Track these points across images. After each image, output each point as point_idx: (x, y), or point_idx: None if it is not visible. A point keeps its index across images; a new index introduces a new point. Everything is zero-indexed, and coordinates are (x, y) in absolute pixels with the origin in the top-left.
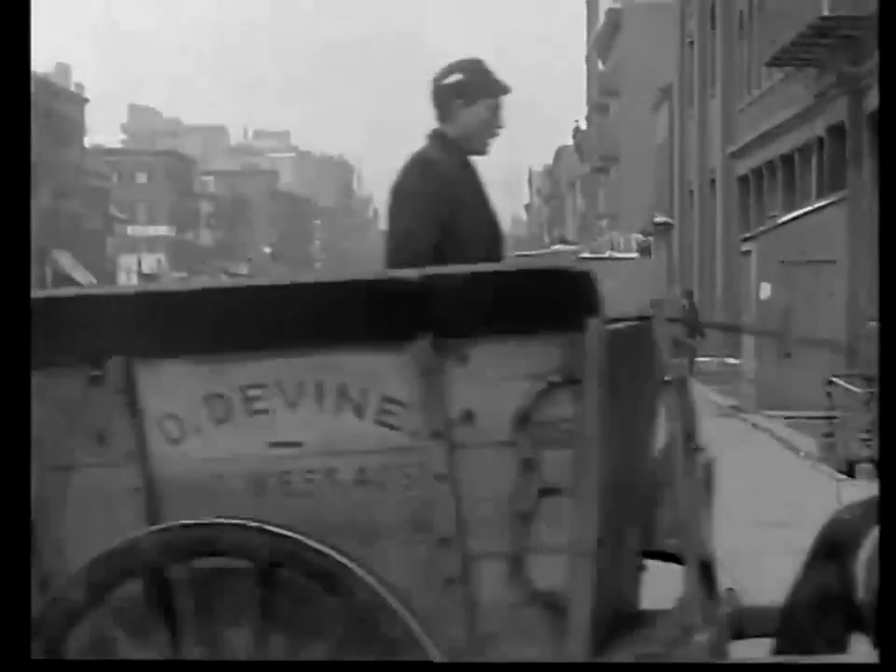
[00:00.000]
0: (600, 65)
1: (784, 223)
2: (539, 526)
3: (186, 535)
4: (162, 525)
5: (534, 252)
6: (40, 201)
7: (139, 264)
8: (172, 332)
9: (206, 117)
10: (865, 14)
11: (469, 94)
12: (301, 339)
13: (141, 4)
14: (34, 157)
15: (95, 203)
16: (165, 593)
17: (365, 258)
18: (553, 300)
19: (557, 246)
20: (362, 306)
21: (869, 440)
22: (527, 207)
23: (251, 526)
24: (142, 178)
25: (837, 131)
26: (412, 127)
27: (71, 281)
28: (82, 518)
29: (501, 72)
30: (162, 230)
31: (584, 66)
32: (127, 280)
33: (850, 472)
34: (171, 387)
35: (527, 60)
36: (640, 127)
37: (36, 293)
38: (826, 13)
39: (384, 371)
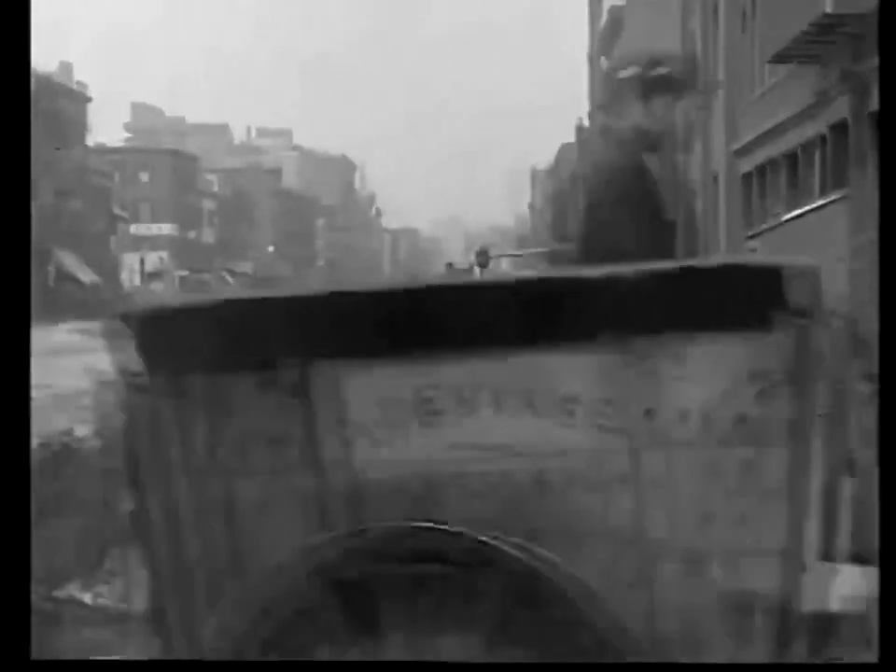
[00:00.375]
0: (603, 63)
1: (787, 221)
2: (741, 528)
3: (370, 540)
4: (346, 531)
5: (537, 250)
6: (42, 200)
7: (142, 263)
8: (347, 335)
9: (209, 115)
10: (868, 11)
11: (644, 89)
12: (481, 339)
13: (143, 1)
14: (36, 156)
15: (98, 201)
16: (343, 601)
17: (368, 256)
18: (769, 295)
19: (561, 244)
20: (545, 305)
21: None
22: (531, 206)
23: (445, 530)
24: (145, 177)
25: (840, 128)
26: (413, 126)
27: (74, 280)
28: (256, 526)
29: (503, 71)
30: (165, 228)
31: (587, 64)
32: (130, 279)
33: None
34: (346, 390)
35: (529, 58)
36: None
37: (211, 296)
38: (829, 10)
39: (567, 372)
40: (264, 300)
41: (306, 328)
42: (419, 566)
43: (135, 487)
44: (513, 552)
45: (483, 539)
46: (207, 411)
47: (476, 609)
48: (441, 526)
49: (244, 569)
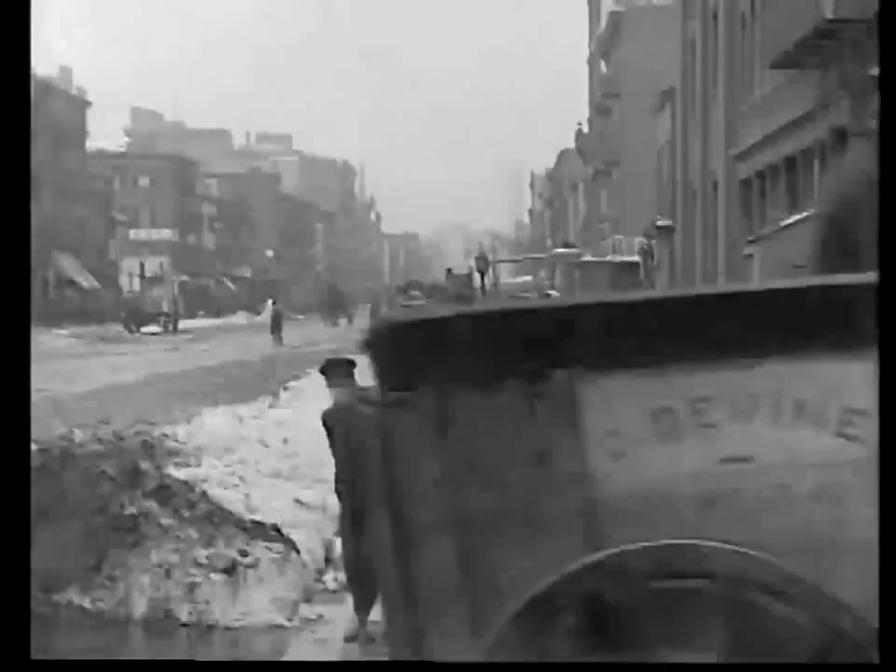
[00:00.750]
0: (602, 68)
1: (786, 226)
2: None
3: (639, 560)
4: (616, 549)
5: (537, 256)
6: (42, 204)
7: (142, 268)
8: (617, 344)
9: (209, 120)
10: (868, 17)
11: None
12: (755, 347)
13: (143, 7)
14: (36, 161)
15: (98, 206)
16: (611, 621)
17: (367, 260)
18: None
19: (560, 250)
20: (824, 311)
21: None
22: (530, 211)
23: (718, 549)
24: (144, 182)
25: (840, 134)
26: (413, 129)
27: (74, 285)
28: (517, 544)
29: (504, 75)
30: (165, 233)
31: (586, 69)
32: (129, 283)
33: None
34: (615, 402)
35: (529, 62)
36: (643, 130)
37: (474, 307)
38: (829, 16)
39: (845, 380)
40: (531, 310)
41: (574, 338)
42: (688, 586)
43: (388, 506)
44: (782, 570)
45: (755, 555)
46: (469, 425)
47: (738, 630)
48: (714, 545)
49: (506, 590)
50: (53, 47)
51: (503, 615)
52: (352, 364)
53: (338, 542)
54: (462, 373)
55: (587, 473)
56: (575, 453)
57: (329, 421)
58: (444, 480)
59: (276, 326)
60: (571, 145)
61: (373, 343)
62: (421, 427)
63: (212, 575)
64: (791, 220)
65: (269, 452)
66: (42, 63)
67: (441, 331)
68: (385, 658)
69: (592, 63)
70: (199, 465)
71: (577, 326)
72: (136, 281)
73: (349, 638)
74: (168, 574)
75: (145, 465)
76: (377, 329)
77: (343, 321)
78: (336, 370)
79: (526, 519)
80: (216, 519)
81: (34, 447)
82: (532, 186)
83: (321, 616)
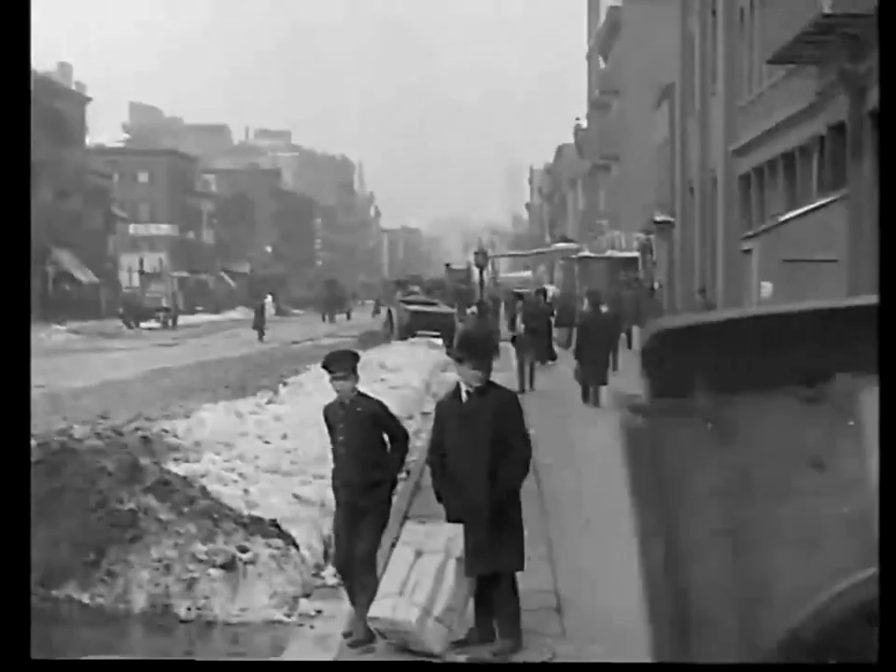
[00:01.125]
0: (601, 63)
1: (785, 222)
2: None
3: None
4: None
5: (535, 251)
6: (41, 200)
7: (141, 263)
8: None
9: (208, 115)
10: (866, 12)
11: None
12: None
13: (142, 2)
14: (35, 156)
15: (97, 202)
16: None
17: (366, 256)
18: None
19: (558, 245)
20: None
21: None
22: (528, 206)
23: None
24: (143, 177)
25: (838, 129)
26: (414, 126)
27: (73, 280)
28: (796, 556)
29: (503, 71)
30: (164, 228)
31: (585, 64)
32: (128, 279)
33: None
34: None
35: (528, 58)
36: (641, 125)
37: (748, 310)
38: (827, 11)
39: None
40: (810, 312)
41: (854, 340)
42: None
43: (656, 515)
44: None
45: None
46: (743, 431)
47: None
48: None
49: (778, 603)
50: (52, 43)
51: (781, 628)
52: (355, 357)
53: None
54: (736, 379)
55: (866, 480)
56: (855, 458)
57: (331, 417)
58: (722, 489)
59: (260, 321)
60: (570, 140)
61: (648, 349)
62: (694, 435)
63: (211, 570)
64: (789, 215)
65: (268, 447)
66: (42, 59)
67: (718, 335)
68: (385, 654)
69: (591, 58)
70: (198, 460)
71: (852, 326)
72: (135, 276)
73: (348, 634)
74: (167, 569)
75: (144, 460)
76: (654, 334)
77: (341, 316)
78: (339, 363)
79: (805, 528)
80: (215, 514)
81: (33, 442)
82: (531, 181)
83: (320, 611)
